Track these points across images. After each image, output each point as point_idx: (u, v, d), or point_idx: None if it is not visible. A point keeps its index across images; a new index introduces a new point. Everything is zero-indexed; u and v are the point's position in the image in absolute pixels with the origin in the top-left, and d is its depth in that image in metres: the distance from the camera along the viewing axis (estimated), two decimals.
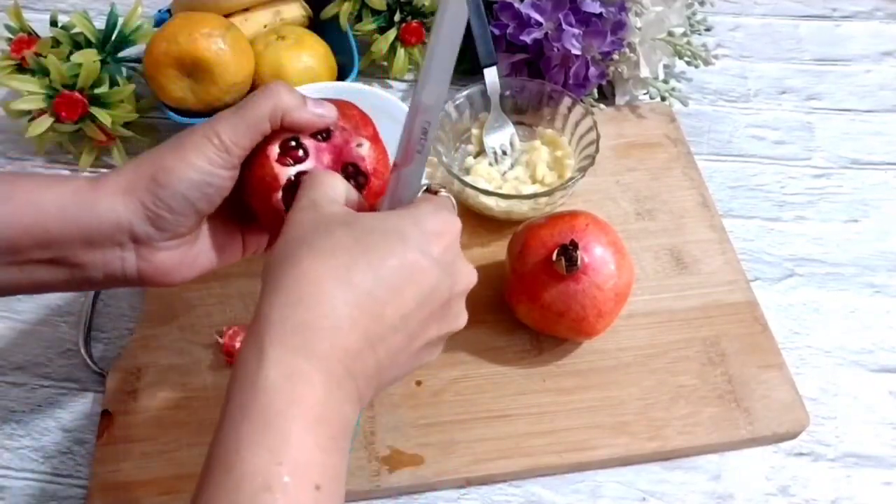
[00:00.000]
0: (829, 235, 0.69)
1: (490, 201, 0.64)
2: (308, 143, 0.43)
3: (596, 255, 0.54)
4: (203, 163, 0.40)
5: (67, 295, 0.64)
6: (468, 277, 0.40)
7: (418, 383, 0.57)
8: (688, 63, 0.75)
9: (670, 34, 0.74)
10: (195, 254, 0.44)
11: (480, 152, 0.71)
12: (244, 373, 0.32)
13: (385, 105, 0.67)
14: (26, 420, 0.57)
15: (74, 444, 0.56)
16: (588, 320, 0.54)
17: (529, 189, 0.66)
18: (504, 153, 0.70)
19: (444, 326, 0.39)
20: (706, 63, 0.75)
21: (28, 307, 0.63)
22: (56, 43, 0.70)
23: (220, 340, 0.58)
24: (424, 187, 0.41)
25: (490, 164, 0.69)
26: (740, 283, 0.63)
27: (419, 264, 0.35)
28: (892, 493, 0.55)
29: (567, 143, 0.70)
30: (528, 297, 0.56)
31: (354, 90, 0.68)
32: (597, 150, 0.64)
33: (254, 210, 0.44)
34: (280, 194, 0.42)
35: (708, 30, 0.78)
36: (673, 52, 0.75)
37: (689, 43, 0.75)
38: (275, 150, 0.42)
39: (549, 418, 0.56)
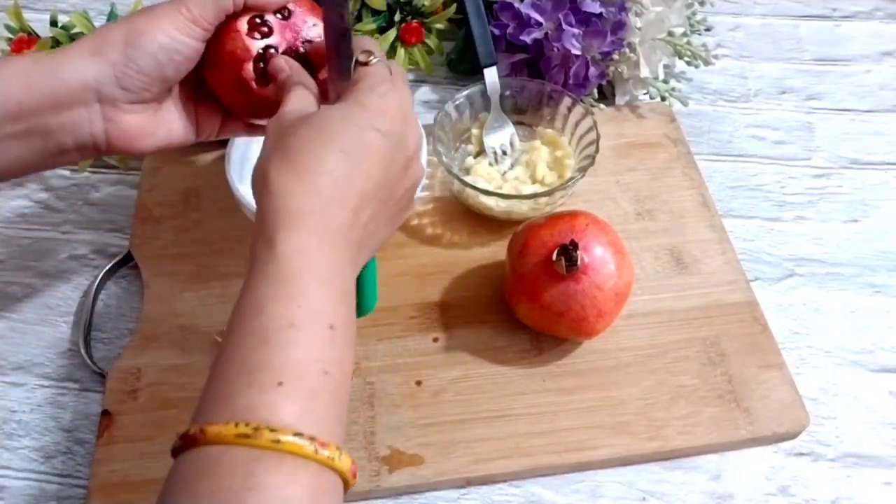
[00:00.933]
0: (829, 235, 0.69)
1: (490, 201, 0.64)
2: (272, 19, 0.48)
3: (596, 255, 0.54)
4: (172, 30, 0.44)
5: (67, 295, 0.64)
6: (416, 139, 0.44)
7: (418, 383, 0.57)
8: (688, 63, 0.75)
9: (670, 34, 0.74)
10: (158, 122, 0.48)
11: (480, 152, 0.71)
12: (259, 256, 0.37)
13: None
14: (26, 420, 0.57)
15: (74, 444, 0.56)
16: (588, 320, 0.54)
17: (529, 189, 0.66)
18: (504, 153, 0.70)
19: (407, 184, 0.44)
20: (706, 63, 0.75)
21: (28, 307, 0.63)
22: (56, 43, 0.70)
23: (220, 340, 0.58)
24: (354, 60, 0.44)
25: (490, 164, 0.69)
26: (740, 283, 0.63)
27: (373, 142, 0.40)
28: (892, 493, 0.55)
29: (567, 143, 0.70)
30: (528, 297, 0.56)
31: None
32: (597, 150, 0.64)
33: (218, 87, 0.49)
34: (251, 65, 0.47)
35: (708, 30, 0.78)
36: (673, 52, 0.75)
37: (689, 43, 0.75)
38: (244, 24, 0.47)
39: (549, 418, 0.56)
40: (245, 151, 0.63)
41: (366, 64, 0.43)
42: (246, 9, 0.47)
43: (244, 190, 0.62)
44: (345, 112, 0.41)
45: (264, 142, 0.41)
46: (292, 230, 0.37)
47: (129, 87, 0.45)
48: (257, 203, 0.39)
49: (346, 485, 0.35)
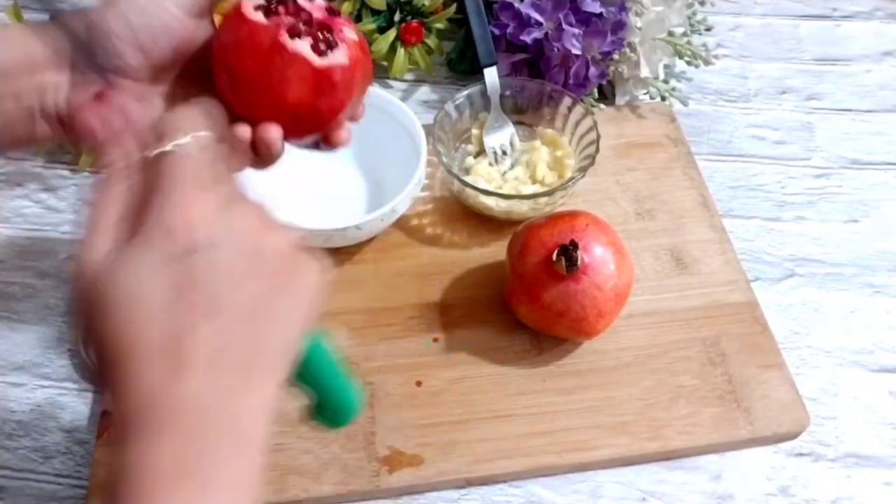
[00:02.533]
0: (829, 235, 0.69)
1: (490, 201, 0.64)
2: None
3: (596, 255, 0.54)
4: (176, 8, 0.37)
5: (67, 295, 0.64)
6: (253, 220, 0.32)
7: (418, 383, 0.57)
8: (688, 63, 0.75)
9: (670, 34, 0.74)
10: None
11: (480, 152, 0.71)
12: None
13: (385, 105, 0.67)
14: (26, 420, 0.57)
15: (74, 444, 0.56)
16: (588, 320, 0.54)
17: (529, 189, 0.66)
18: (504, 153, 0.70)
19: (278, 282, 0.32)
20: (706, 63, 0.75)
21: (28, 307, 0.63)
22: None
23: None
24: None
25: (490, 164, 0.69)
26: (740, 283, 0.63)
27: (156, 286, 0.29)
28: (892, 493, 0.55)
29: (567, 143, 0.70)
30: (528, 297, 0.56)
31: None
32: (597, 150, 0.64)
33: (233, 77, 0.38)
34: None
35: (708, 30, 0.78)
36: (673, 52, 0.75)
37: (689, 43, 0.75)
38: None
39: (549, 418, 0.56)
40: None
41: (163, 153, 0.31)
42: None
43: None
44: (123, 262, 0.29)
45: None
46: (128, 444, 0.28)
47: (101, 63, 0.38)
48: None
49: None
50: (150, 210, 0.30)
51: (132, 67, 0.38)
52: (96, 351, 0.30)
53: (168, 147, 0.31)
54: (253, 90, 0.38)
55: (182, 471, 0.28)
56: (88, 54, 0.37)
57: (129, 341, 0.29)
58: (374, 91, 0.68)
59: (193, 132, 0.32)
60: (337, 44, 0.39)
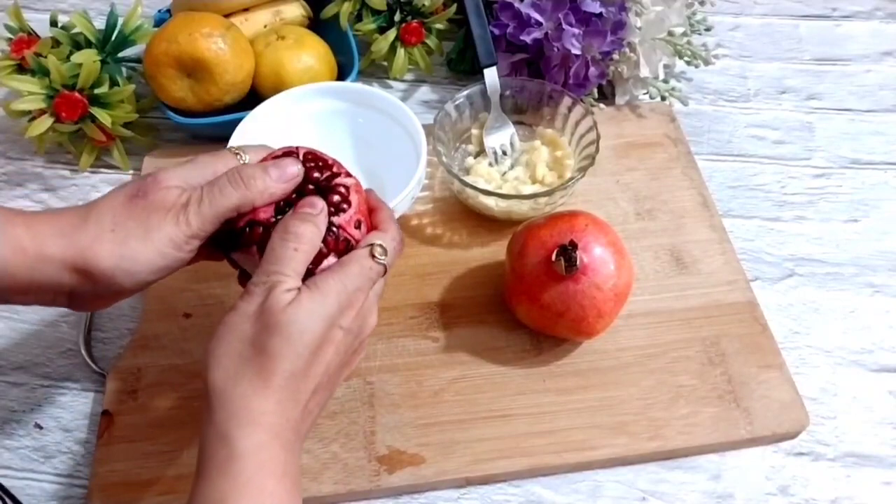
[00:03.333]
0: (829, 235, 0.69)
1: (490, 201, 0.64)
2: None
3: (595, 255, 0.54)
4: (169, 248, 0.42)
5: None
6: (373, 326, 0.45)
7: (418, 383, 0.57)
8: (688, 63, 0.75)
9: (670, 34, 0.74)
10: (121, 297, 0.45)
11: (480, 152, 0.71)
12: (216, 450, 0.38)
13: (385, 105, 0.67)
14: (26, 420, 0.57)
15: (74, 444, 0.56)
16: (587, 320, 0.54)
17: (529, 189, 0.66)
18: (504, 153, 0.70)
19: (353, 364, 0.45)
20: (706, 63, 0.75)
21: (28, 307, 0.63)
22: (56, 43, 0.70)
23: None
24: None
25: (490, 164, 0.69)
26: (740, 283, 0.63)
27: (335, 337, 0.41)
28: (892, 493, 0.55)
29: (567, 143, 0.70)
30: (527, 297, 0.56)
31: (354, 90, 0.68)
32: (597, 150, 0.64)
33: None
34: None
35: (708, 30, 0.78)
36: (673, 52, 0.75)
37: (689, 43, 0.75)
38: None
39: (549, 418, 0.56)
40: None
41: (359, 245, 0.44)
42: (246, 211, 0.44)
43: None
44: (315, 305, 0.40)
45: (235, 316, 0.40)
46: (250, 428, 0.38)
47: (104, 296, 0.43)
48: (214, 388, 0.39)
49: None
50: (351, 281, 0.42)
51: (126, 289, 0.43)
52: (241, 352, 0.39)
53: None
54: None
55: (284, 474, 0.39)
56: (90, 295, 0.42)
57: (274, 384, 0.39)
58: (374, 92, 0.68)
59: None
60: None
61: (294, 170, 0.44)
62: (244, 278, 0.48)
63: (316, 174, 0.45)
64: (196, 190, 0.43)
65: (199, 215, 0.42)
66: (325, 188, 0.45)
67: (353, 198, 0.45)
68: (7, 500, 0.50)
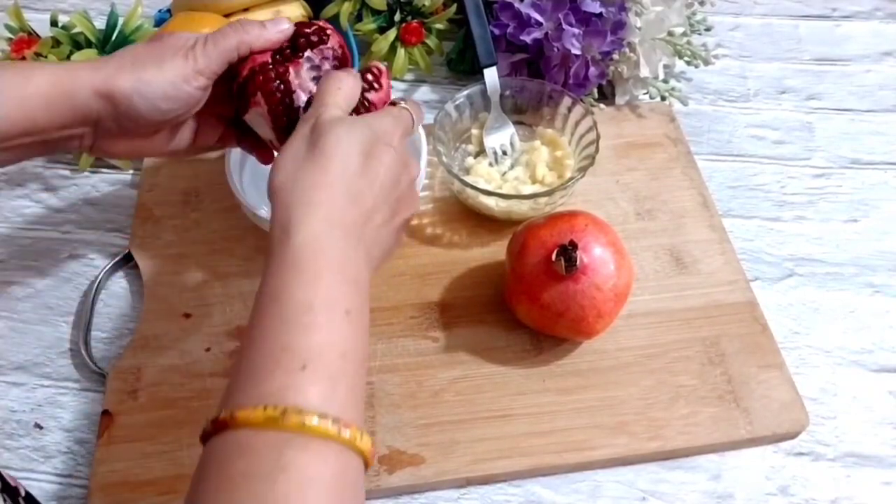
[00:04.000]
0: (829, 235, 0.69)
1: (490, 201, 0.64)
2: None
3: (595, 255, 0.54)
4: (180, 80, 0.46)
5: (67, 295, 0.64)
6: (417, 168, 0.48)
7: (418, 383, 0.57)
8: (688, 63, 0.75)
9: (670, 34, 0.74)
10: (148, 144, 0.50)
11: (480, 152, 0.71)
12: (276, 242, 0.40)
13: None
14: (26, 420, 0.57)
15: (74, 444, 0.56)
16: (587, 320, 0.54)
17: (529, 189, 0.66)
18: (504, 153, 0.70)
19: (406, 209, 0.47)
20: (706, 63, 0.75)
21: (28, 307, 0.63)
22: (56, 43, 0.70)
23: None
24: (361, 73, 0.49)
25: (490, 164, 0.69)
26: (740, 283, 0.63)
27: (386, 153, 0.44)
28: (892, 493, 0.55)
29: (567, 143, 0.70)
30: (527, 297, 0.56)
31: None
32: (597, 150, 0.64)
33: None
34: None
35: (708, 30, 0.78)
36: (673, 52, 0.75)
37: (689, 43, 0.75)
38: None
39: (549, 418, 0.56)
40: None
41: (394, 104, 0.49)
42: (251, 52, 0.49)
43: (245, 189, 0.62)
44: (371, 121, 0.45)
45: (295, 135, 0.44)
46: (308, 218, 0.40)
47: (126, 127, 0.47)
48: (277, 188, 0.41)
49: (367, 465, 0.36)
50: (393, 117, 0.47)
51: (149, 133, 0.49)
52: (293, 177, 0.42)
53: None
54: None
55: (344, 267, 0.40)
56: (115, 125, 0.47)
57: (352, 155, 0.42)
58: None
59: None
60: None
61: (286, 25, 0.50)
62: (258, 145, 0.55)
63: (306, 29, 0.50)
64: (203, 36, 0.48)
65: (205, 54, 0.47)
66: (345, 64, 0.51)
67: (384, 81, 0.50)
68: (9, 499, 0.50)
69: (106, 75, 0.45)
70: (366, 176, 0.43)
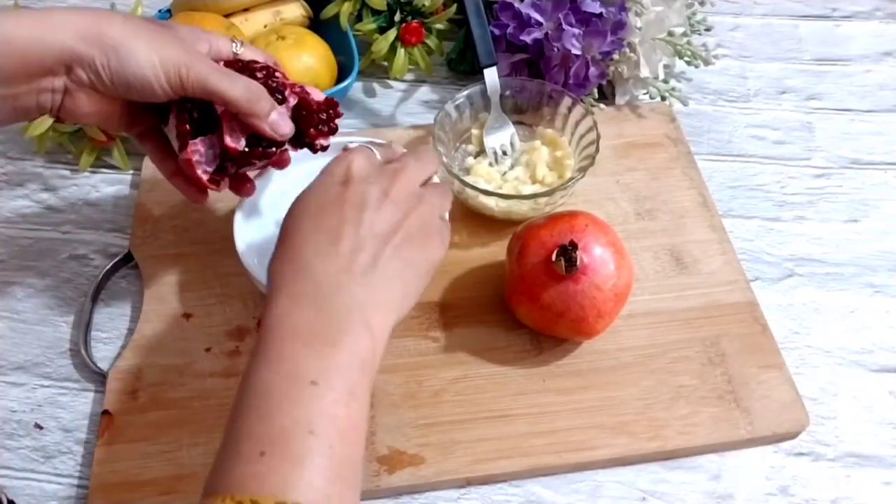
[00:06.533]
0: (829, 235, 0.69)
1: (490, 201, 0.64)
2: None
3: (595, 255, 0.54)
4: (160, 70, 0.45)
5: (67, 295, 0.64)
6: (436, 200, 0.47)
7: (418, 383, 0.57)
8: (688, 63, 0.75)
9: (670, 34, 0.74)
10: (113, 111, 0.49)
11: (480, 152, 0.71)
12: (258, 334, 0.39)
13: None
14: (26, 420, 0.57)
15: (74, 444, 0.56)
16: (587, 321, 0.54)
17: (529, 189, 0.66)
18: (504, 153, 0.70)
19: (419, 233, 0.45)
20: (706, 63, 0.75)
21: (28, 307, 0.63)
22: None
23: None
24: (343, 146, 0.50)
25: (490, 165, 0.69)
26: (740, 283, 0.63)
27: (338, 192, 0.43)
28: (892, 493, 0.55)
29: (567, 143, 0.70)
30: (527, 297, 0.56)
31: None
32: (597, 150, 0.64)
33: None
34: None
35: (708, 30, 0.78)
36: (673, 52, 0.75)
37: (689, 43, 0.75)
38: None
39: (549, 418, 0.56)
40: (252, 205, 0.62)
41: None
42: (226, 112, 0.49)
43: (247, 255, 0.59)
44: (314, 183, 0.45)
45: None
46: (275, 299, 0.39)
47: (95, 85, 0.46)
48: (268, 289, 0.42)
49: None
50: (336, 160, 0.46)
51: (117, 78, 0.46)
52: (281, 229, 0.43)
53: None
54: None
55: (312, 333, 0.38)
56: (86, 77, 0.45)
57: (305, 219, 0.42)
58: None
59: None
60: None
61: (287, 129, 0.50)
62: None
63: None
64: (208, 59, 0.48)
65: (200, 76, 0.46)
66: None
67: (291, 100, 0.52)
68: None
69: (97, 19, 0.44)
70: (322, 226, 0.41)
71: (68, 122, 0.49)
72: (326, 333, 0.38)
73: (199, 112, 0.49)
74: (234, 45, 0.52)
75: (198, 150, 0.50)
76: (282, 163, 0.56)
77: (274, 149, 0.51)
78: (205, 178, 0.51)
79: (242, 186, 0.56)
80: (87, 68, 0.45)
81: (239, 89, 0.47)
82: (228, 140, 0.49)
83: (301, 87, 0.52)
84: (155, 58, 0.45)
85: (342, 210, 0.42)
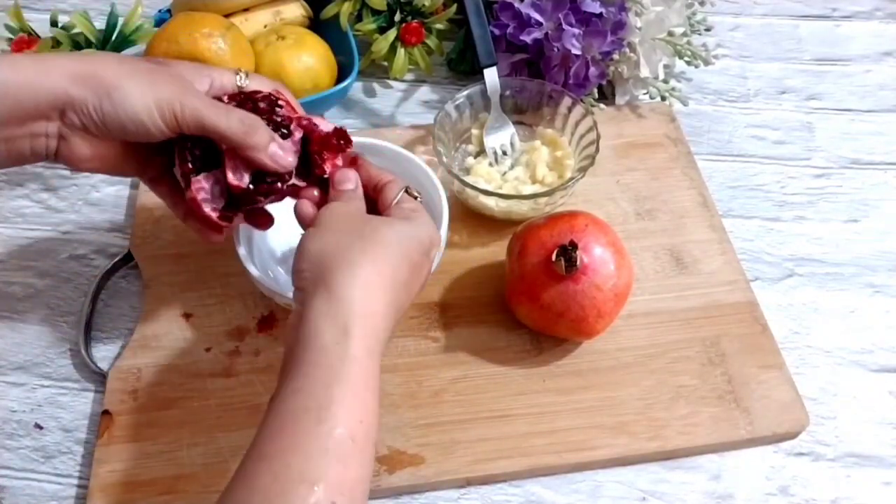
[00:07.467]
0: (829, 235, 0.69)
1: (490, 201, 0.64)
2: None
3: (595, 255, 0.54)
4: (155, 111, 0.44)
5: (67, 295, 0.64)
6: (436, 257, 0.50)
7: (418, 383, 0.57)
8: (688, 63, 0.75)
9: (670, 34, 0.74)
10: (109, 157, 0.48)
11: (480, 152, 0.71)
12: (326, 344, 0.40)
13: (395, 157, 0.62)
14: (26, 420, 0.57)
15: (74, 444, 0.56)
16: (588, 320, 0.54)
17: (529, 189, 0.66)
18: (504, 153, 0.70)
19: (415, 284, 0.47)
20: (706, 63, 0.75)
21: (28, 307, 0.63)
22: (56, 43, 0.70)
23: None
24: (403, 188, 0.49)
25: (490, 165, 0.69)
26: (740, 283, 0.63)
27: (425, 265, 0.47)
28: (892, 493, 0.55)
29: (567, 143, 0.70)
30: (527, 297, 0.56)
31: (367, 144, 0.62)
32: (597, 150, 0.64)
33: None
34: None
35: (708, 30, 0.78)
36: (673, 52, 0.75)
37: (689, 43, 0.75)
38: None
39: (549, 418, 0.56)
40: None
41: (415, 198, 0.49)
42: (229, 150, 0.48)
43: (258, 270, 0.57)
44: (412, 232, 0.46)
45: (319, 227, 0.45)
46: (363, 336, 0.41)
47: (88, 127, 0.45)
48: (326, 286, 0.42)
49: None
50: (429, 224, 0.48)
51: (112, 120, 0.45)
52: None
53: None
54: None
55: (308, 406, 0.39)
56: (78, 120, 0.44)
57: (404, 270, 0.45)
58: (385, 145, 0.62)
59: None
60: None
61: (289, 160, 0.49)
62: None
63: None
64: (202, 95, 0.47)
65: (195, 116, 0.45)
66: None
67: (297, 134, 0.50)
68: None
69: (92, 63, 0.44)
70: (410, 288, 0.45)
71: (70, 168, 0.47)
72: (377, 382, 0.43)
73: (201, 149, 0.48)
74: (237, 77, 0.50)
75: (202, 187, 0.48)
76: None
77: (279, 184, 0.48)
78: (214, 215, 0.49)
79: (259, 219, 0.53)
80: (79, 111, 0.44)
81: (233, 122, 0.46)
82: (231, 177, 0.47)
83: (308, 118, 0.50)
84: (149, 97, 0.44)
85: (415, 285, 0.46)
